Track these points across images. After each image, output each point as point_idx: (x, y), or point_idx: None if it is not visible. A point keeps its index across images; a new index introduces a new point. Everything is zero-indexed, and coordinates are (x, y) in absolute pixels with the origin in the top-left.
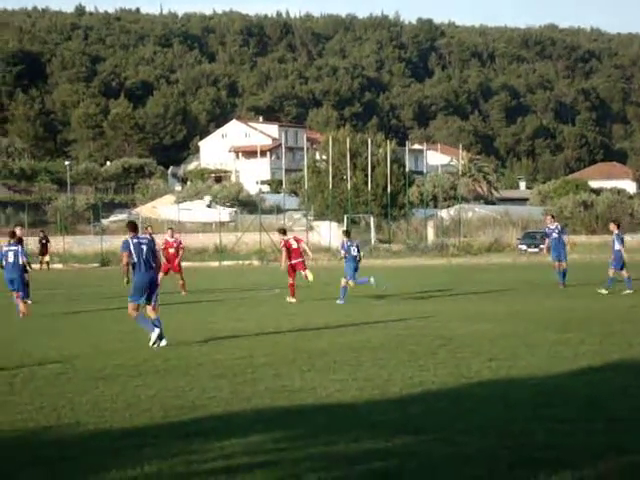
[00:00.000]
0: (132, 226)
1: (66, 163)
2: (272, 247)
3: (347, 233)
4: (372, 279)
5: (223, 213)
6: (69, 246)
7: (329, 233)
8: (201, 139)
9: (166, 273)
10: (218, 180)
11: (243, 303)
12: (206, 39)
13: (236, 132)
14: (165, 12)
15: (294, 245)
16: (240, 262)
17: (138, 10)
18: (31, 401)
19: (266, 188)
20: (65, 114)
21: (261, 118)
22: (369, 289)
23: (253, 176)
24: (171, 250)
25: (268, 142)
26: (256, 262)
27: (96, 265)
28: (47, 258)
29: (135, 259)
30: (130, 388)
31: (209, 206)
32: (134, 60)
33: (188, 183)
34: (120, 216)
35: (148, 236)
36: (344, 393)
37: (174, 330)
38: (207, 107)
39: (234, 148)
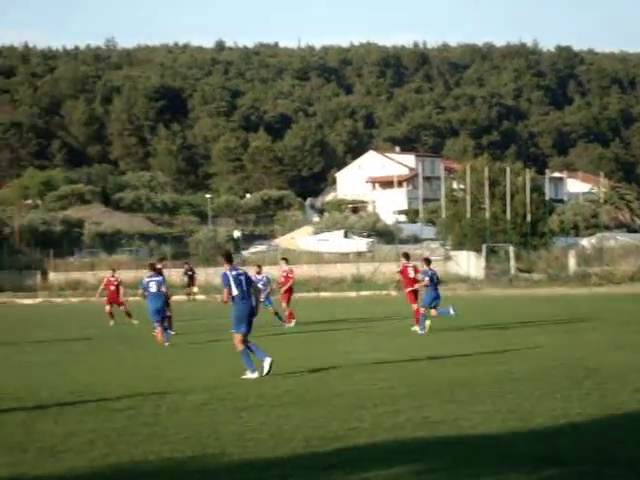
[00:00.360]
0: (228, 257)
1: (207, 196)
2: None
3: (428, 261)
4: (452, 310)
5: (360, 243)
6: (211, 277)
7: (467, 263)
8: (338, 170)
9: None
10: (355, 211)
11: (382, 333)
12: (343, 71)
13: (373, 163)
14: (303, 45)
15: (411, 274)
16: (377, 292)
17: (277, 44)
18: (177, 431)
19: (403, 218)
20: (206, 148)
21: (398, 148)
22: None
23: (390, 206)
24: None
25: (405, 172)
26: (394, 292)
27: None
28: (195, 289)
29: (236, 291)
30: (273, 418)
31: (346, 236)
32: (273, 93)
33: (325, 214)
34: (260, 247)
35: (260, 277)
36: (486, 425)
37: (314, 360)
38: (344, 138)
39: (370, 179)
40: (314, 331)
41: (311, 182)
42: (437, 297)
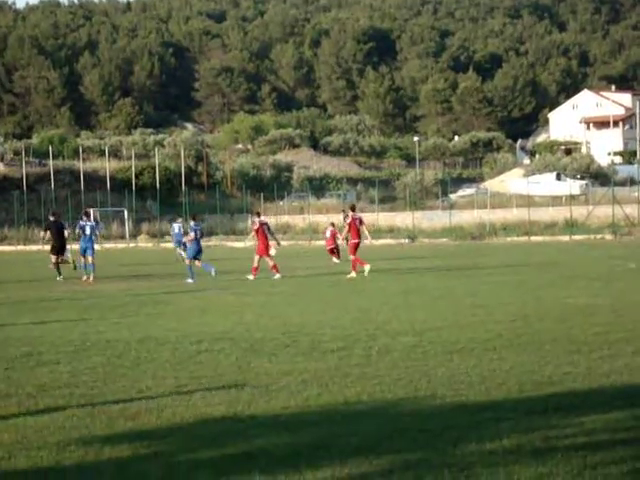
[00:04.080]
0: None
1: (415, 139)
2: (625, 220)
3: (194, 217)
4: (213, 271)
5: (573, 186)
6: (418, 222)
7: None
8: (550, 111)
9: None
10: (568, 152)
11: (596, 278)
12: (556, 8)
13: (587, 103)
14: None
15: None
16: (591, 236)
17: None
18: (388, 373)
19: (618, 159)
20: (414, 90)
21: (613, 87)
22: None
23: (604, 147)
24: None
25: (621, 112)
26: (608, 236)
27: (444, 240)
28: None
29: None
30: (485, 362)
31: (559, 179)
32: (483, 33)
33: (537, 156)
34: (468, 191)
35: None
36: None
37: (526, 305)
38: (557, 78)
39: (585, 119)
40: (526, 276)
41: (522, 123)
42: (200, 252)
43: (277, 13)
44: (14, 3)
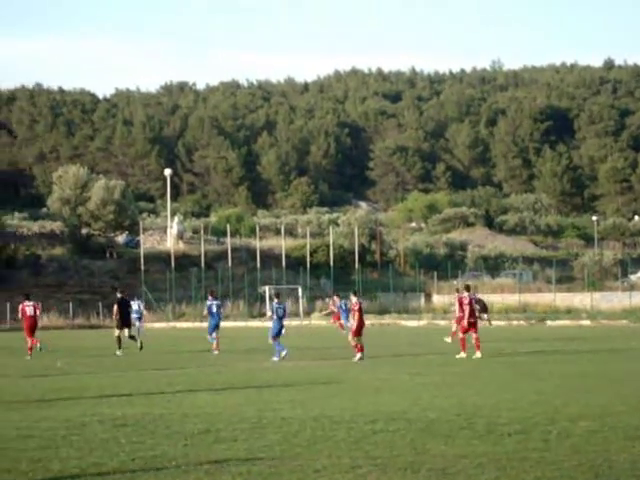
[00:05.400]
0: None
1: (593, 218)
2: None
3: (277, 295)
4: (284, 353)
5: None
6: (596, 303)
7: None
8: None
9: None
10: None
11: None
12: None
13: None
14: None
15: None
16: None
17: None
18: (568, 458)
19: None
20: (592, 169)
21: None
22: None
23: None
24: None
25: None
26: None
27: (624, 322)
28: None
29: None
30: None
31: None
32: None
33: None
34: None
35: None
36: None
37: None
38: None
39: None
40: None
41: None
42: (281, 330)
43: (453, 92)
44: (194, 84)
